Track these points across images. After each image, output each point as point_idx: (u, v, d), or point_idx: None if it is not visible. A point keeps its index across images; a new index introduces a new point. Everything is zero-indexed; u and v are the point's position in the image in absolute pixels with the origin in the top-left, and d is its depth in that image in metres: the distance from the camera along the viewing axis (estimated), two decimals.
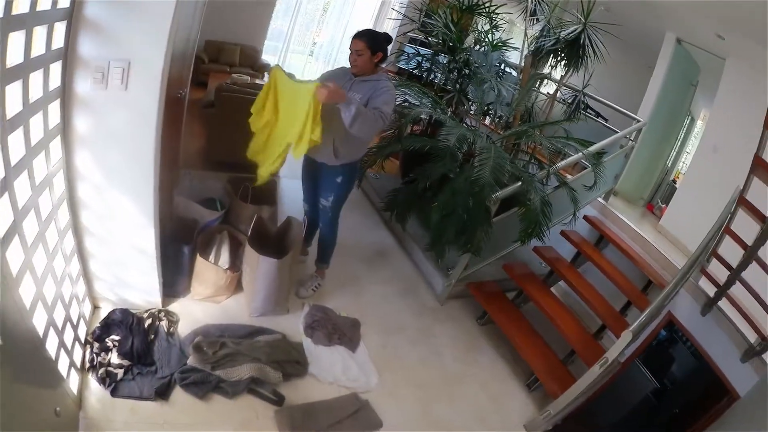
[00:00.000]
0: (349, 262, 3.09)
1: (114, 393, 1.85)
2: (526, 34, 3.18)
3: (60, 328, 1.61)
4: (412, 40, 5.05)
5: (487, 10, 3.60)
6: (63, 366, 1.62)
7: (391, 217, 3.07)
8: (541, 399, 2.48)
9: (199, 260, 2.37)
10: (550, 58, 3.12)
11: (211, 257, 2.48)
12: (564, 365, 2.48)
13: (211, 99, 4.17)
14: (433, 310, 2.89)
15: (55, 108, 1.53)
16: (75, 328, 1.85)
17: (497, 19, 3.58)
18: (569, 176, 3.29)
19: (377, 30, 2.28)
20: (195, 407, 1.92)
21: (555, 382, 2.32)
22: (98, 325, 2.06)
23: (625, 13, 3.86)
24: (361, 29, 2.21)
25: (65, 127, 1.62)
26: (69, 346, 1.74)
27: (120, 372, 1.91)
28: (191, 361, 2.04)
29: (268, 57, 7.51)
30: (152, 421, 1.81)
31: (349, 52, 2.17)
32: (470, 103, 3.56)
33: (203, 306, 2.45)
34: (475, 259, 2.78)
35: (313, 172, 2.47)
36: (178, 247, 2.39)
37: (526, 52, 3.23)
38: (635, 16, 3.99)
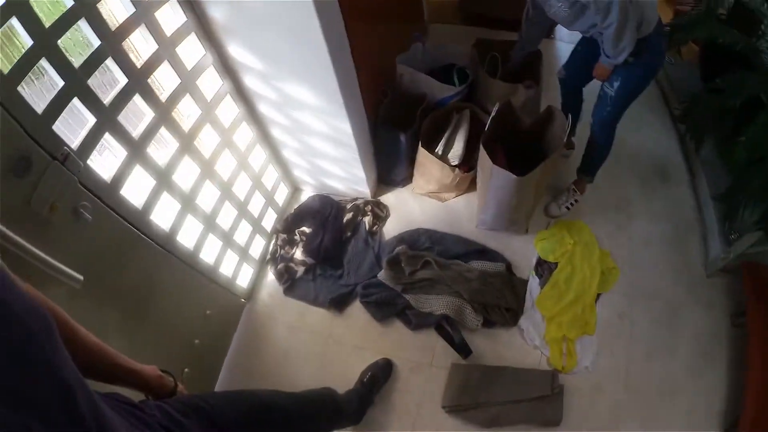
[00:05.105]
0: (621, 174, 2.22)
1: (287, 292, 1.85)
2: None
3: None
4: None
5: None
6: (227, 266, 1.65)
7: (687, 132, 2.18)
8: None
9: (421, 151, 1.92)
10: None
11: (440, 146, 1.93)
12: None
13: None
14: (694, 279, 2.00)
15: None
16: (259, 216, 1.84)
17: None
18: None
19: None
20: (368, 328, 1.76)
21: None
22: (291, 212, 2.03)
23: None
24: None
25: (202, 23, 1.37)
26: (248, 237, 1.78)
27: (300, 270, 1.88)
28: (382, 275, 1.80)
29: None
30: (317, 331, 1.76)
31: None
32: None
33: (423, 202, 2.07)
34: None
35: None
36: (394, 134, 1.92)
37: None
38: None
